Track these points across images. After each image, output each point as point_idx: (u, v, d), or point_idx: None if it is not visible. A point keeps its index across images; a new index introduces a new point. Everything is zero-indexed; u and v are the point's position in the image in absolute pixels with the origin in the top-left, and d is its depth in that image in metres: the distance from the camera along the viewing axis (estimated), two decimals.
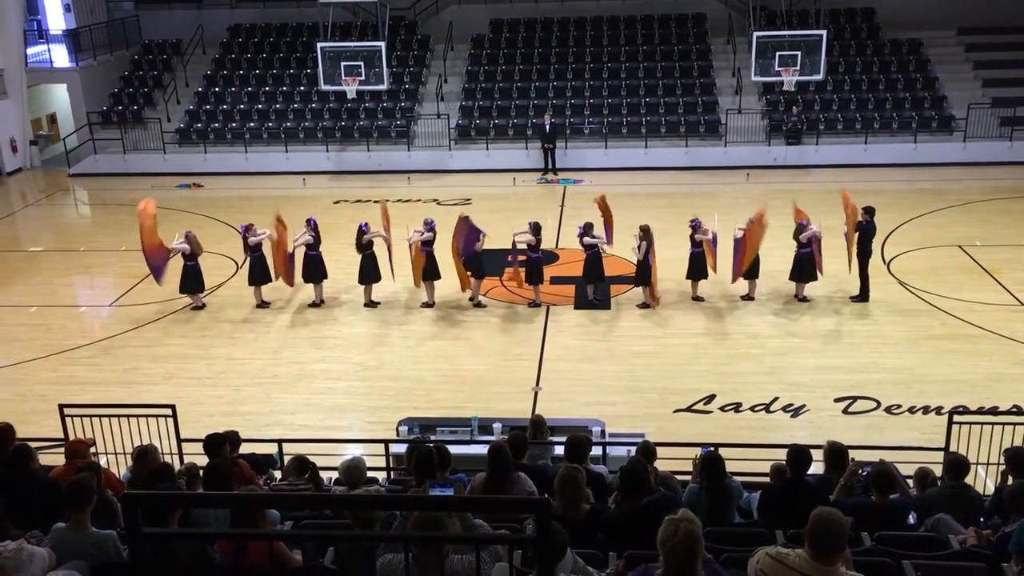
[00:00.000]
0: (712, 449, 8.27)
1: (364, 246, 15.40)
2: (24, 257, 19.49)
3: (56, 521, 5.66)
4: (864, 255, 15.20)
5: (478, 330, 14.90)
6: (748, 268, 15.26)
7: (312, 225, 15.61)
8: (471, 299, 15.70)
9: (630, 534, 5.74)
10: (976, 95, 25.24)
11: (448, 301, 15.81)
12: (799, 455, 6.80)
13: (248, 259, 15.73)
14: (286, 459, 8.56)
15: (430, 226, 15.38)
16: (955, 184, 22.43)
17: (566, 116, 25.81)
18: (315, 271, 15.61)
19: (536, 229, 15.40)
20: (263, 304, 15.79)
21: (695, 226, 15.26)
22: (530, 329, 14.89)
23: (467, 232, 15.09)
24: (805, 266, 15.22)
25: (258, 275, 15.66)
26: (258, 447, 9.40)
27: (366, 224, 15.55)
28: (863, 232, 15.02)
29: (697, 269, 15.44)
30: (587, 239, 15.26)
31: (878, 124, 24.86)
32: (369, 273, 15.51)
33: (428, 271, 15.45)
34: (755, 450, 9.21)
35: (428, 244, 15.34)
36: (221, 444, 7.73)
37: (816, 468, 7.45)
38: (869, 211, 15.09)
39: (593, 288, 15.70)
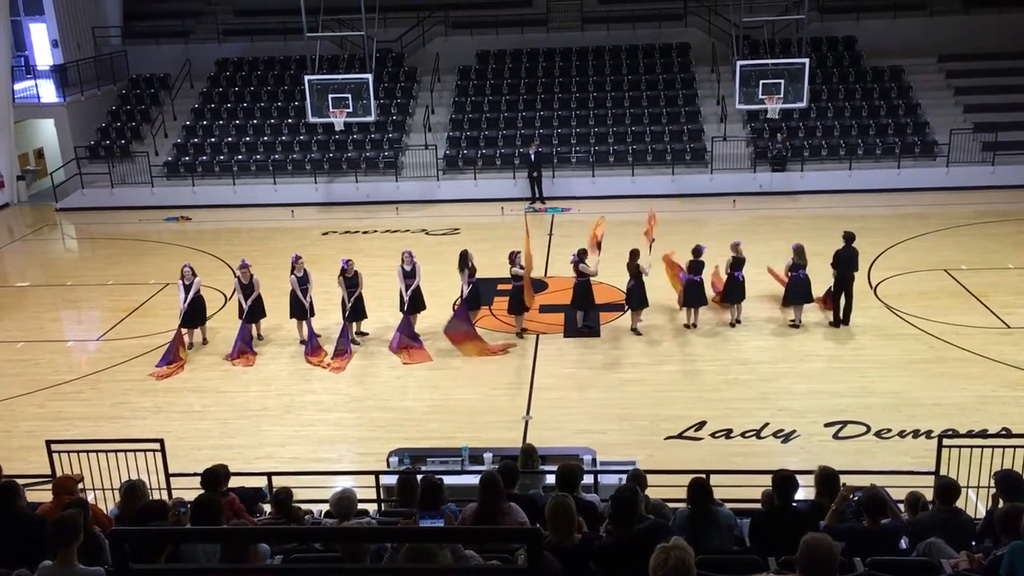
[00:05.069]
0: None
1: (351, 281, 15.31)
2: (11, 292, 19.39)
3: (43, 558, 5.60)
4: (841, 281, 15.27)
5: (468, 360, 14.87)
6: (727, 293, 15.43)
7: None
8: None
9: (622, 563, 5.71)
10: (958, 121, 25.53)
11: (435, 331, 15.78)
12: (786, 482, 6.79)
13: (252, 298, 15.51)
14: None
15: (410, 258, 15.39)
16: (939, 209, 22.62)
17: (553, 145, 25.97)
18: (301, 307, 15.46)
19: (511, 257, 15.38)
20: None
21: (699, 250, 15.38)
22: (520, 358, 14.88)
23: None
24: (796, 290, 15.28)
25: (259, 312, 15.59)
26: (248, 480, 9.34)
27: (347, 261, 15.46)
28: (839, 258, 15.15)
29: (693, 297, 15.45)
30: (581, 266, 15.28)
31: (862, 150, 25.10)
32: (358, 311, 15.49)
33: (415, 303, 15.45)
34: (746, 476, 9.19)
35: (411, 277, 15.34)
36: (218, 481, 7.70)
37: (807, 493, 7.46)
38: (847, 237, 15.21)
39: (583, 315, 15.71)
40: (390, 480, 9.50)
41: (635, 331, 15.50)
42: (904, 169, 24.54)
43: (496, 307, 16.52)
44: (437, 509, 6.67)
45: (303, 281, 15.33)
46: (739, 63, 22.93)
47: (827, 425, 12.27)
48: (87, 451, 9.44)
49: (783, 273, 15.52)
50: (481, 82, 28.44)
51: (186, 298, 15.19)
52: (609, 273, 16.24)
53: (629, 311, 15.79)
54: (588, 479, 8.90)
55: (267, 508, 8.76)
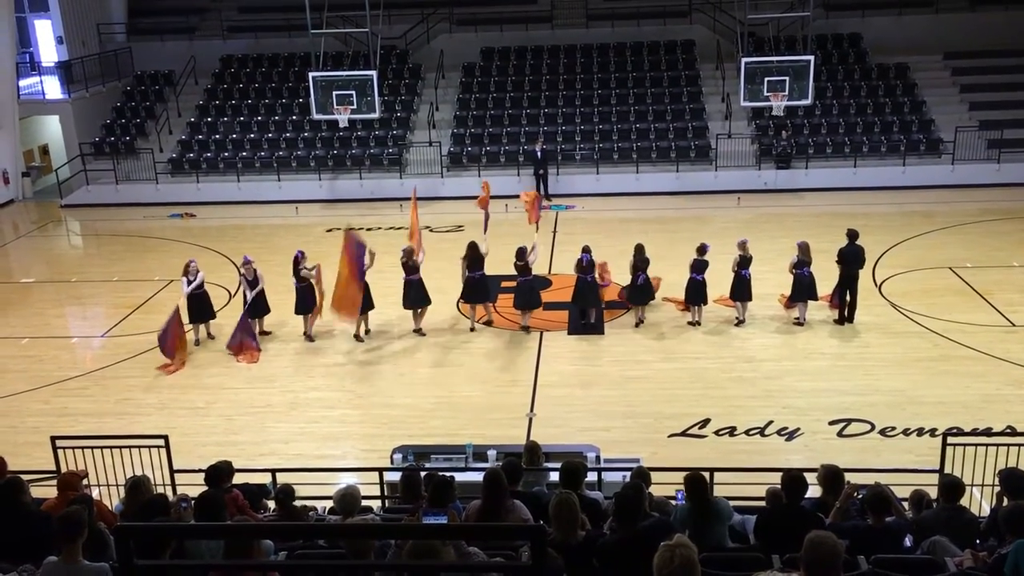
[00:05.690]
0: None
1: (367, 274, 15.31)
2: (16, 288, 19.43)
3: (48, 554, 5.61)
4: (846, 279, 15.25)
5: (472, 356, 14.89)
6: (735, 291, 15.42)
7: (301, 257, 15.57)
8: (482, 321, 15.71)
9: (626, 560, 5.71)
10: (963, 118, 25.45)
11: (440, 328, 15.80)
12: (795, 482, 6.78)
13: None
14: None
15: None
16: (944, 206, 22.57)
17: (557, 143, 25.95)
18: (306, 303, 15.50)
19: (521, 254, 15.43)
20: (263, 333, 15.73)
21: (703, 248, 15.41)
22: (524, 355, 14.88)
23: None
24: (800, 287, 15.26)
25: (263, 307, 15.64)
26: (252, 477, 9.36)
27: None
28: (843, 256, 15.13)
29: (696, 294, 15.46)
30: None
31: (867, 148, 25.04)
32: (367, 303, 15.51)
33: (418, 298, 15.48)
34: (750, 474, 9.19)
35: (414, 271, 15.36)
36: (222, 477, 7.72)
37: (812, 491, 7.45)
38: (851, 234, 15.19)
39: (593, 312, 15.72)
40: (394, 477, 9.51)
41: (640, 321, 15.57)
42: (909, 166, 24.49)
43: (500, 304, 16.51)
44: (444, 506, 6.68)
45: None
46: (744, 60, 22.88)
47: (831, 423, 12.25)
48: (92, 447, 9.47)
49: (789, 268, 15.47)
50: (485, 79, 28.42)
51: (188, 292, 15.22)
52: (611, 271, 16.22)
53: (631, 306, 15.81)
54: (592, 476, 8.90)
55: (271, 504, 8.78)
